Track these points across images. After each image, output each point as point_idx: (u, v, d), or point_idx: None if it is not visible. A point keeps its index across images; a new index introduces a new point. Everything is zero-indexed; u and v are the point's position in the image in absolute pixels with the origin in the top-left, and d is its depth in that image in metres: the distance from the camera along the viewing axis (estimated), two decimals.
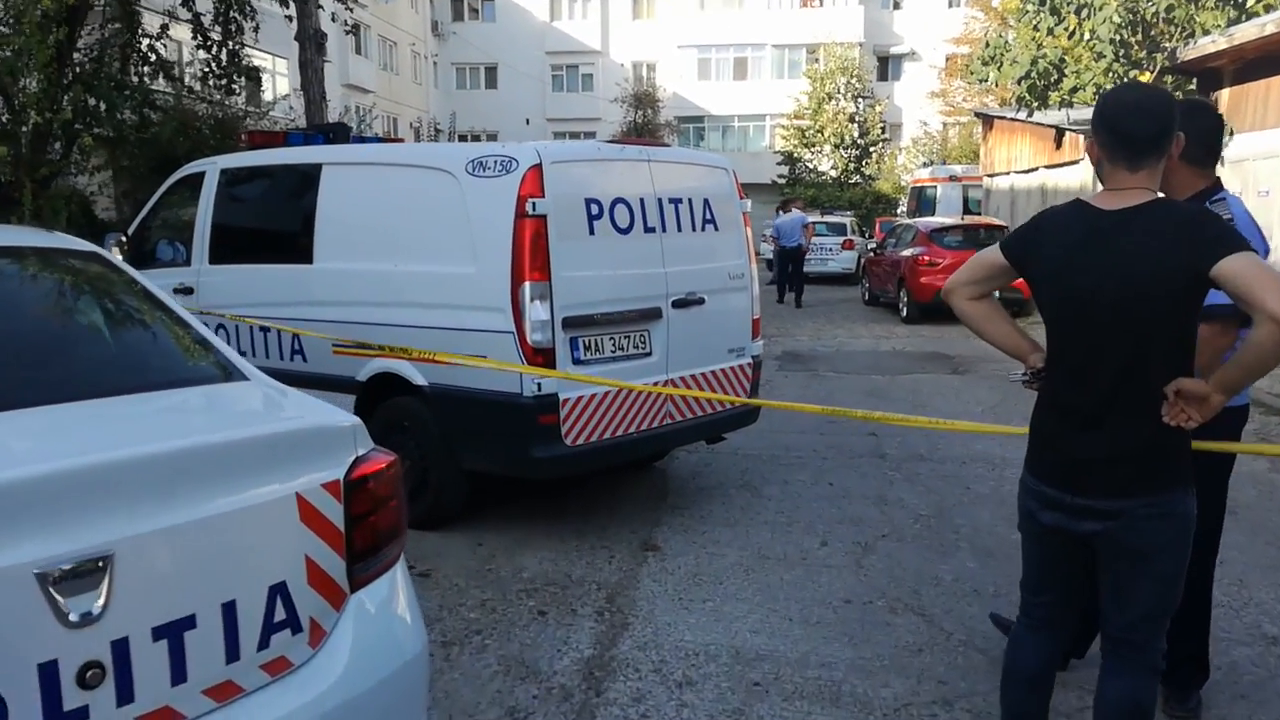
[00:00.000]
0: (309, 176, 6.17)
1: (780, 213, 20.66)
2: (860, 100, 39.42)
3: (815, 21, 41.77)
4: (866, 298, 19.55)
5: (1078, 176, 16.67)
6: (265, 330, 6.30)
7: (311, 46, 16.52)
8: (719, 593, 4.74)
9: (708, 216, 6.01)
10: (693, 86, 43.95)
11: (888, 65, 44.99)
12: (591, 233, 5.28)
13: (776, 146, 41.81)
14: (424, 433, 5.47)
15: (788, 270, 19.81)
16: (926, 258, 15.96)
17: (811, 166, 39.87)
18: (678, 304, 5.72)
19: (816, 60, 40.87)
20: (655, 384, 5.64)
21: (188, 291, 6.85)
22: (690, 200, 5.89)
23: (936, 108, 39.42)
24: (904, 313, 16.48)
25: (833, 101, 39.10)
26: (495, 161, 5.15)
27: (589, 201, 5.28)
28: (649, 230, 5.60)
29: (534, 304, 5.01)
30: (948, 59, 39.96)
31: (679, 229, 5.79)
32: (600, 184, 5.40)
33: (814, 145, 39.62)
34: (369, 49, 38.31)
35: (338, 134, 7.04)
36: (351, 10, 14.55)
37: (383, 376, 5.61)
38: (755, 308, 6.37)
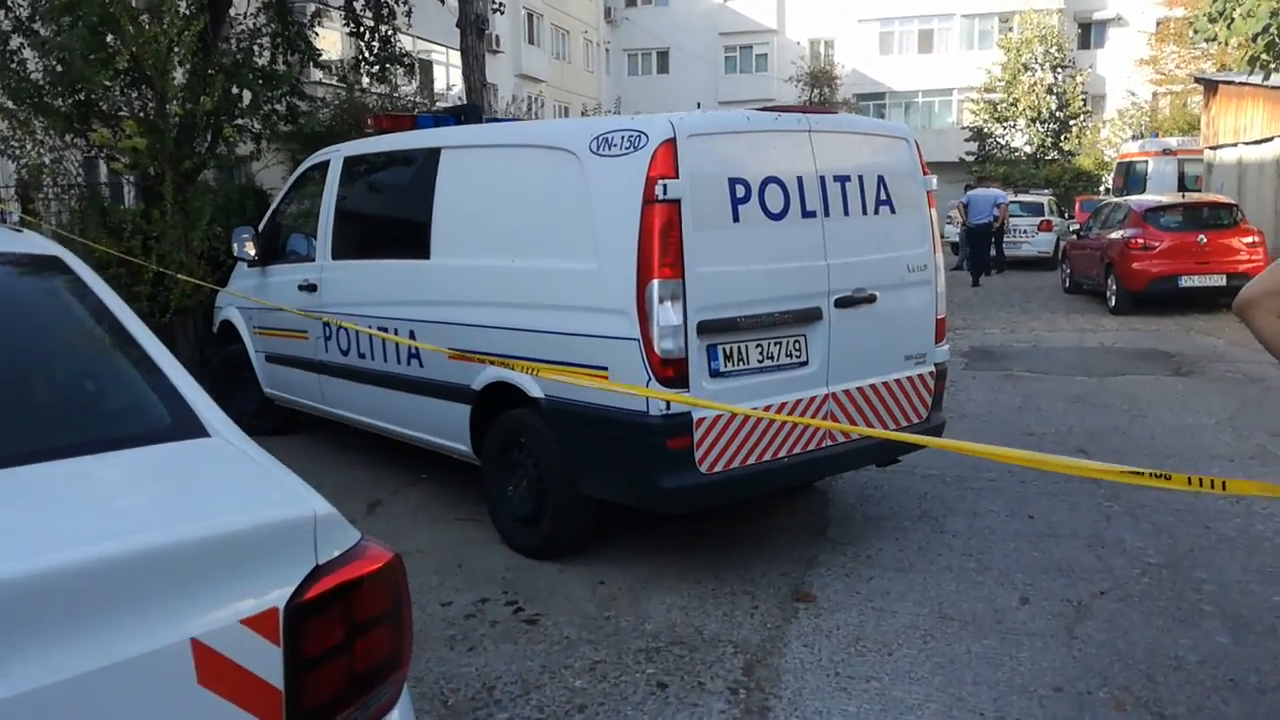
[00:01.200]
0: (427, 162, 5.56)
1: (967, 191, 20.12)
2: (1059, 70, 36.46)
3: None
4: (1067, 285, 17.67)
5: None
6: (384, 330, 5.75)
7: (472, 32, 16.21)
8: (887, 668, 3.78)
9: (882, 197, 5.01)
10: (873, 62, 41.94)
11: (1090, 32, 41.59)
12: (736, 219, 4.40)
13: (964, 122, 39.32)
14: (541, 451, 4.75)
15: (977, 250, 19.30)
16: (1140, 240, 14.12)
17: (1003, 142, 37.26)
18: (842, 303, 4.77)
19: (1010, 29, 38.14)
20: (812, 399, 4.71)
21: (311, 289, 6.42)
22: (861, 178, 4.90)
23: (1146, 76, 36.04)
24: (1112, 303, 14.66)
25: (1029, 73, 36.34)
26: (622, 137, 4.35)
27: (734, 182, 4.40)
28: (808, 215, 4.66)
29: (663, 305, 4.18)
30: (1158, 23, 36.48)
31: (846, 213, 4.82)
32: (748, 160, 4.51)
33: (1006, 120, 36.99)
34: (541, 38, 38.46)
35: (469, 116, 6.42)
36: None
37: (499, 386, 4.93)
38: (940, 305, 5.32)
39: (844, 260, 4.79)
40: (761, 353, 4.54)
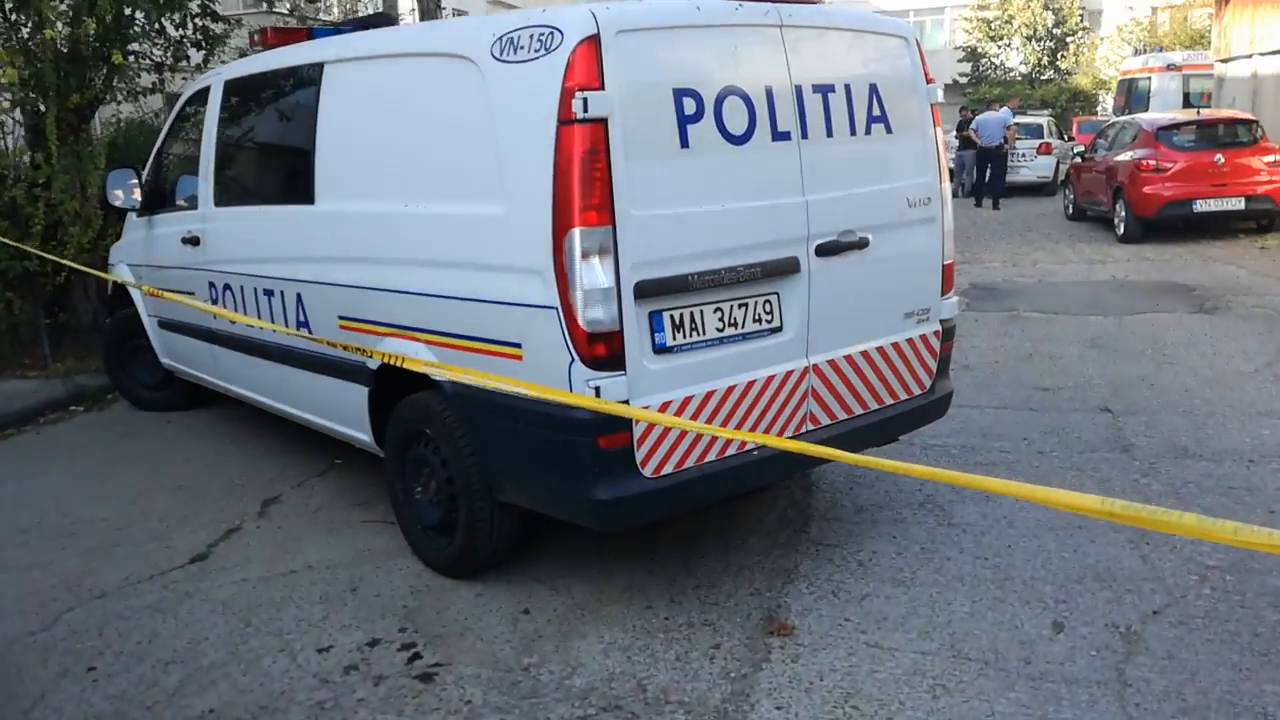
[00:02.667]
0: (309, 84, 4.48)
1: (966, 114, 20.30)
2: None
3: None
4: (1070, 211, 16.59)
5: None
6: (269, 294, 4.73)
7: None
8: None
9: (875, 113, 3.95)
10: None
11: None
12: (685, 145, 3.35)
13: (957, 42, 37.78)
14: (450, 447, 3.76)
15: (996, 172, 19.45)
16: (1152, 162, 13.02)
17: (998, 62, 35.83)
18: (825, 250, 3.75)
19: None
20: (789, 375, 3.72)
21: (194, 242, 5.39)
22: (849, 88, 3.84)
23: None
24: (1121, 230, 13.61)
25: None
26: (530, 36, 3.27)
27: (680, 94, 3.34)
28: (780, 137, 3.61)
29: (587, 262, 3.16)
30: None
31: (829, 134, 3.78)
32: (700, 65, 3.44)
33: (1001, 38, 35.52)
34: None
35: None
36: None
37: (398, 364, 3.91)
38: (948, 247, 4.30)
39: (827, 195, 3.75)
40: (722, 318, 3.53)
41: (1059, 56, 35.23)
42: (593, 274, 3.17)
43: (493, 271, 3.44)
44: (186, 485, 5.24)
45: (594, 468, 3.26)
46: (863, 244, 3.87)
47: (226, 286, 5.11)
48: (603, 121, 3.13)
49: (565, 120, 3.13)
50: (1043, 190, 21.60)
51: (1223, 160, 12.65)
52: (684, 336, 3.42)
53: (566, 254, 3.17)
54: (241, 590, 3.94)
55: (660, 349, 3.36)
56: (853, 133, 3.85)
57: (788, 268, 3.66)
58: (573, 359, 3.22)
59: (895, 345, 4.11)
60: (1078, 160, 16.49)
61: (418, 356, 3.76)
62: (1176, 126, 13.50)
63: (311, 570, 4.08)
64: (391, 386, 4.04)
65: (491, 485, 3.65)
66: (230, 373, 5.45)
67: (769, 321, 3.67)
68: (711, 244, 3.44)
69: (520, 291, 3.32)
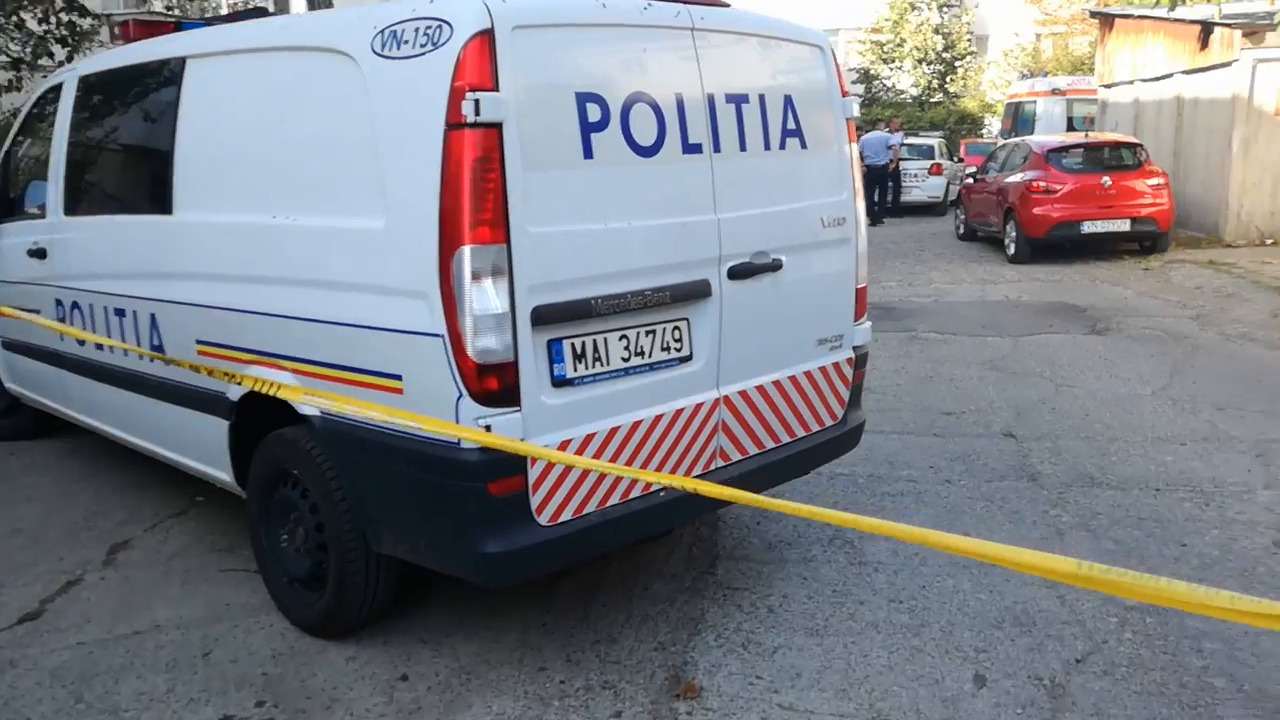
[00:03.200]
0: (171, 80, 4.00)
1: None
2: (946, 10, 35.88)
3: None
4: (962, 231, 16.88)
5: (1228, 84, 13.71)
6: (121, 314, 4.23)
7: None
8: None
9: (790, 126, 3.70)
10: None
11: None
12: (589, 155, 3.03)
13: (852, 63, 38.50)
14: (320, 490, 3.35)
15: (873, 192, 19.60)
16: (1042, 184, 13.28)
17: (890, 84, 36.64)
18: (738, 272, 3.47)
19: None
20: (699, 408, 3.42)
21: (41, 254, 4.83)
22: (763, 99, 3.58)
23: (1030, 16, 35.84)
24: (1011, 250, 13.86)
25: (915, 12, 35.66)
26: (415, 30, 2.90)
27: (584, 99, 3.02)
28: (691, 149, 3.32)
29: (479, 284, 2.80)
30: None
31: (742, 147, 3.51)
32: (606, 67, 3.13)
33: (893, 61, 36.34)
34: None
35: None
36: None
37: (262, 395, 3.47)
38: (861, 270, 4.08)
39: (740, 213, 3.48)
40: (628, 347, 3.21)
41: (948, 80, 36.21)
42: (484, 297, 2.82)
43: (371, 293, 3.05)
44: (25, 528, 4.65)
45: (484, 517, 2.90)
46: (776, 266, 3.61)
47: (75, 304, 4.57)
48: (497, 126, 2.78)
49: (454, 124, 2.77)
50: (934, 210, 22.04)
51: (1109, 183, 12.99)
52: (586, 367, 3.09)
53: (454, 275, 2.80)
54: (76, 657, 3.42)
55: (560, 381, 3.03)
56: (767, 147, 3.59)
57: (699, 291, 3.38)
58: (460, 393, 2.85)
59: (808, 374, 3.86)
60: (968, 181, 16.80)
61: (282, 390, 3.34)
62: (1065, 149, 13.83)
63: (159, 631, 3.59)
64: (255, 420, 3.60)
65: (367, 535, 3.25)
66: (79, 400, 4.89)
67: (678, 350, 3.37)
68: (617, 265, 3.12)
69: (402, 316, 2.93)
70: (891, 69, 36.67)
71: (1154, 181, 13.02)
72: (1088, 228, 13.06)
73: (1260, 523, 4.43)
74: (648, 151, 3.17)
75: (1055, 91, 23.35)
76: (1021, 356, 8.03)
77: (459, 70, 2.76)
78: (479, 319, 2.82)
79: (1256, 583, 3.84)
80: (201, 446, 3.94)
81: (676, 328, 3.36)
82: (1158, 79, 16.22)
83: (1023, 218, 13.43)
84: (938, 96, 36.06)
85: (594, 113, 3.02)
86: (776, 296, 3.65)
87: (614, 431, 3.16)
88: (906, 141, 22.37)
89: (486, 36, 2.78)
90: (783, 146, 3.64)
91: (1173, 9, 13.56)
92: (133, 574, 4.11)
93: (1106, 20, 19.12)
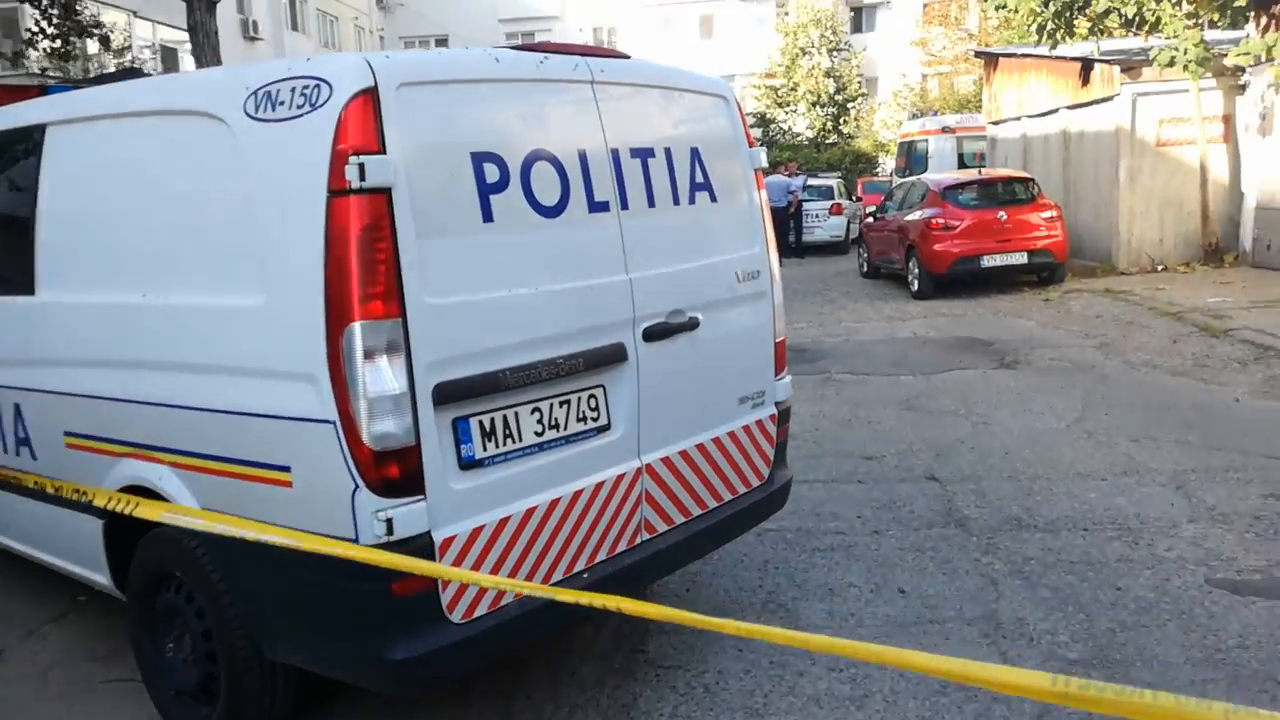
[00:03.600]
0: (31, 149, 3.67)
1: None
2: (835, 54, 36.92)
3: None
4: (865, 269, 17.13)
5: (1112, 114, 14.25)
6: None
7: (202, 7, 13.87)
8: None
9: (698, 179, 3.56)
10: (657, 48, 41.11)
11: (861, 16, 42.47)
12: (488, 218, 2.82)
13: (748, 108, 39.27)
14: (206, 595, 3.02)
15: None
16: (940, 220, 13.55)
17: (786, 127, 37.43)
18: (654, 333, 3.29)
19: (787, 13, 38.40)
20: (619, 479, 3.21)
21: None
22: (669, 152, 3.43)
23: (916, 58, 37.14)
24: (914, 286, 14.08)
25: (806, 56, 36.61)
26: (292, 90, 2.67)
27: (480, 159, 2.81)
28: (598, 208, 3.14)
29: (372, 363, 2.56)
30: (925, 6, 37.73)
31: (650, 203, 3.34)
32: (503, 125, 2.93)
33: (788, 104, 37.17)
34: (306, 24, 35.35)
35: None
36: None
37: (138, 492, 3.14)
38: (779, 324, 3.94)
39: (653, 271, 3.31)
40: (541, 420, 2.99)
41: (841, 121, 37.15)
42: (379, 377, 2.57)
43: (252, 376, 2.77)
44: None
45: (388, 619, 2.63)
46: (693, 325, 3.44)
47: None
48: (384, 191, 2.55)
49: (337, 190, 2.53)
50: (837, 249, 22.41)
51: (1005, 217, 13.31)
52: (497, 446, 2.86)
53: (345, 354, 2.55)
54: None
55: (468, 463, 2.78)
56: (676, 201, 3.44)
57: (613, 356, 3.18)
58: (357, 485, 2.58)
59: (732, 435, 3.69)
60: (869, 220, 17.09)
61: (160, 481, 3.03)
62: (961, 186, 14.15)
63: None
64: (131, 519, 3.25)
65: (260, 641, 2.93)
66: None
67: (595, 419, 3.16)
68: (525, 333, 2.90)
69: (287, 401, 2.66)
70: (787, 112, 37.47)
71: (1047, 214, 13.40)
72: (987, 262, 13.35)
73: (1189, 559, 4.39)
74: (552, 212, 2.98)
75: (945, 130, 24.05)
76: (936, 394, 8.03)
77: (340, 132, 2.54)
78: (374, 401, 2.56)
79: (1195, 625, 3.77)
80: (76, 546, 3.57)
81: (592, 396, 3.15)
82: (1043, 114, 16.82)
83: (924, 254, 13.66)
84: (833, 138, 36.96)
85: (492, 173, 2.82)
86: (695, 356, 3.48)
87: (530, 513, 2.92)
88: (807, 183, 22.78)
89: (369, 95, 2.56)
90: (692, 201, 3.50)
91: (1054, 47, 14.08)
92: (4, 690, 3.68)
93: (991, 59, 19.82)
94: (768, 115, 37.35)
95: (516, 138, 2.91)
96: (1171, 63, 12.60)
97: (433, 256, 2.65)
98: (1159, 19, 13.03)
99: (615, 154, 3.20)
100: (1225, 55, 13.09)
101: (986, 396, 7.85)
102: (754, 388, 3.83)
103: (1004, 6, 13.83)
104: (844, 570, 4.56)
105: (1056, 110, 16.16)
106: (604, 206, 3.15)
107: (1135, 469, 5.70)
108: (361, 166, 2.51)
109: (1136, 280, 13.35)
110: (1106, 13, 13.05)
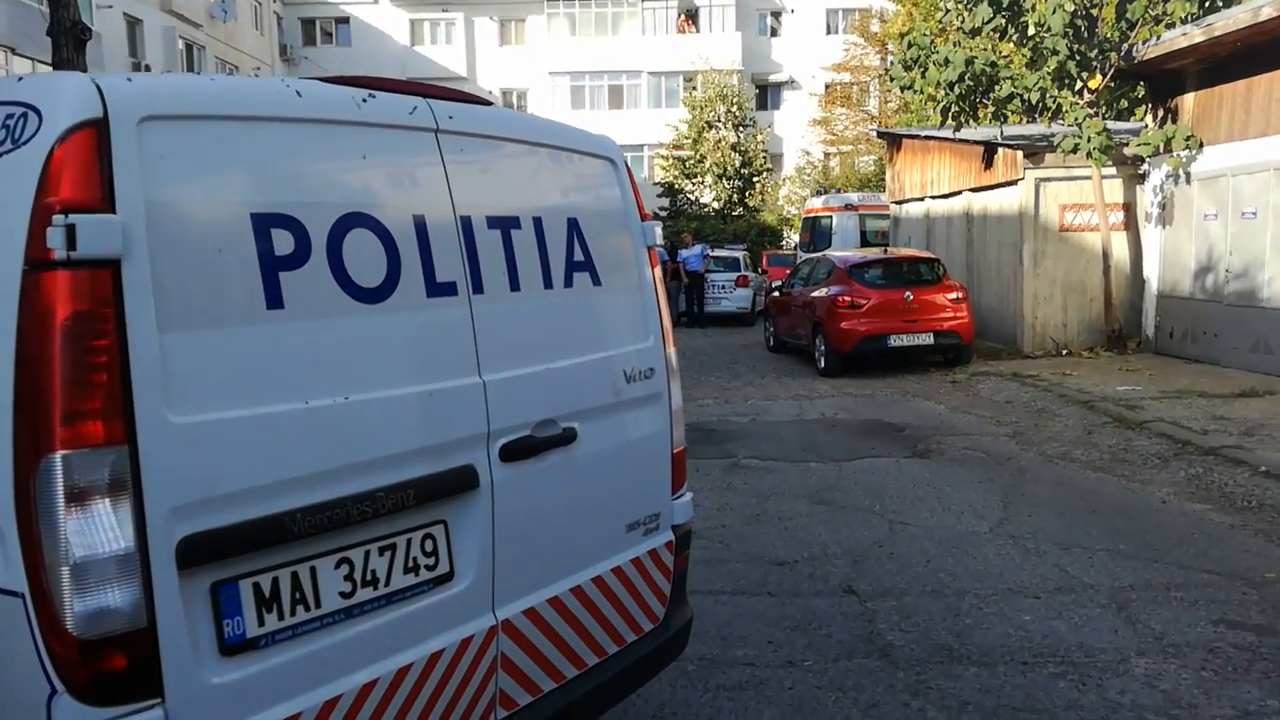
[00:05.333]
0: None
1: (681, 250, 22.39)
2: (741, 129, 37.30)
3: (692, 48, 39.84)
4: (771, 343, 16.72)
5: (1015, 198, 14.21)
6: None
7: (69, 44, 12.84)
8: None
9: (577, 258, 2.86)
10: (566, 115, 41.03)
11: (767, 94, 43.33)
12: (275, 303, 2.06)
13: (656, 178, 39.32)
14: None
15: (695, 296, 21.93)
16: (847, 298, 13.19)
17: (693, 198, 37.51)
18: (515, 451, 2.55)
19: (695, 88, 38.80)
20: (465, 645, 2.43)
21: None
22: (539, 223, 2.73)
23: (818, 136, 37.80)
24: (822, 364, 13.67)
25: (713, 130, 36.89)
26: None
27: (266, 223, 2.06)
28: (440, 291, 2.41)
29: (80, 511, 1.76)
30: (827, 87, 38.56)
31: (514, 286, 2.62)
32: (302, 180, 2.18)
33: (695, 176, 37.31)
34: (203, 73, 34.17)
35: None
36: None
37: None
38: (678, 432, 3.24)
39: (515, 372, 2.58)
40: (351, 575, 2.20)
41: (747, 194, 37.41)
42: (90, 531, 1.77)
43: None
44: None
45: None
46: (568, 438, 2.72)
47: None
48: (109, 265, 1.78)
49: (37, 262, 1.75)
50: (742, 320, 22.12)
51: (912, 297, 13.03)
52: (281, 617, 2.06)
53: (39, 497, 1.74)
54: None
55: (235, 645, 1.98)
56: (548, 284, 2.73)
57: (459, 483, 2.42)
58: (54, 689, 1.76)
59: (618, 571, 2.95)
60: (775, 294, 16.75)
61: None
62: (868, 265, 13.86)
63: None
64: None
65: None
66: None
67: (432, 567, 2.39)
68: (327, 460, 2.12)
69: None
70: (694, 184, 37.59)
71: (953, 295, 13.17)
72: (894, 341, 13.02)
73: (1147, 707, 3.78)
74: (373, 295, 2.24)
75: (849, 207, 24.19)
76: (848, 486, 7.44)
77: (47, 180, 1.76)
78: (81, 566, 1.76)
79: None
80: None
81: (428, 537, 2.38)
82: (947, 195, 16.82)
83: (830, 332, 13.28)
84: (739, 210, 37.14)
85: (283, 242, 2.06)
86: (570, 477, 2.75)
87: (331, 707, 2.12)
88: (712, 254, 22.57)
89: (94, 130, 1.80)
90: (568, 283, 2.79)
91: (958, 130, 14.02)
92: None
93: (894, 140, 19.92)
94: (676, 185, 37.41)
95: (322, 197, 2.17)
96: (1075, 149, 12.60)
97: (184, 357, 1.88)
98: (1060, 106, 13.06)
99: (466, 223, 2.48)
100: (1126, 145, 13.18)
101: (901, 490, 7.28)
102: (646, 510, 3.10)
103: (909, 88, 13.72)
104: (755, 713, 3.83)
105: (960, 192, 16.16)
106: (449, 289, 2.42)
107: (1070, 585, 5.14)
108: (71, 229, 1.73)
109: (1043, 364, 13.17)
110: (1010, 98, 13.00)
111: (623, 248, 3.06)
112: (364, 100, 2.29)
